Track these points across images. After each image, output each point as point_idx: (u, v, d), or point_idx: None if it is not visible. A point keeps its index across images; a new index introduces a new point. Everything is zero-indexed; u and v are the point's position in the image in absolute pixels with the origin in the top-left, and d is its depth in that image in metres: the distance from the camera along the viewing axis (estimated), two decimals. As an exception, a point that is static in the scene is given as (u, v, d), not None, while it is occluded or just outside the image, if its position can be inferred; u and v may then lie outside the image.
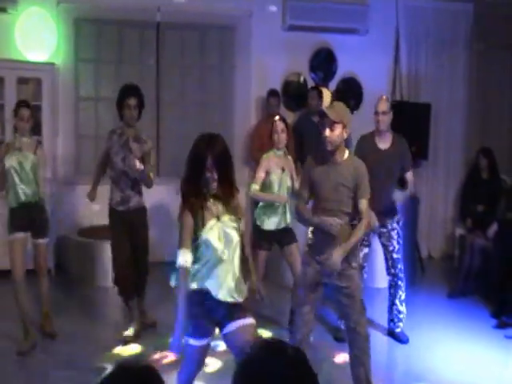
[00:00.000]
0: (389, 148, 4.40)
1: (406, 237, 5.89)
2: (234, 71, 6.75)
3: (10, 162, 4.23)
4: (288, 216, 4.37)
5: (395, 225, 4.48)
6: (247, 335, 2.80)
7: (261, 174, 4.28)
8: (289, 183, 4.38)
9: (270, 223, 4.35)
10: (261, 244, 4.35)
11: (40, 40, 6.12)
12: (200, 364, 2.94)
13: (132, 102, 4.36)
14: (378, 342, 4.52)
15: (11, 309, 4.36)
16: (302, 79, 6.91)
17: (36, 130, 5.86)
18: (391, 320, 4.63)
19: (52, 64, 6.09)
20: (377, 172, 4.20)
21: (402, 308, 4.58)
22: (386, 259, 4.53)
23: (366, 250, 4.47)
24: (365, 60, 6.83)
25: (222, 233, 2.77)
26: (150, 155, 4.44)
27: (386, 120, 4.34)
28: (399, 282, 4.52)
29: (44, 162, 4.40)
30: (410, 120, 6.42)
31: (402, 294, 4.55)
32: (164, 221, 6.38)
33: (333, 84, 6.99)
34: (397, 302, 4.56)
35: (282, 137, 4.33)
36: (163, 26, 6.46)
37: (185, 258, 2.70)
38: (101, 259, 5.57)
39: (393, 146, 4.41)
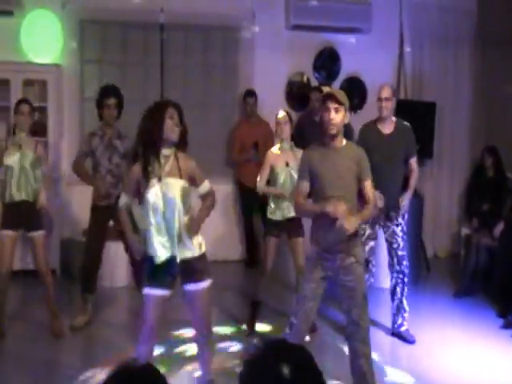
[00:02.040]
0: (392, 132, 4.37)
1: (411, 236, 5.89)
2: (238, 71, 6.76)
3: (10, 159, 4.30)
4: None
5: (400, 219, 4.43)
6: (201, 300, 3.18)
7: (265, 171, 4.41)
8: (296, 176, 4.40)
9: (278, 214, 4.43)
10: (270, 231, 4.44)
11: (45, 42, 6.16)
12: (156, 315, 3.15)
13: (111, 101, 4.57)
14: (382, 341, 4.53)
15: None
16: (305, 79, 6.92)
17: (41, 131, 5.94)
18: (397, 319, 4.58)
19: (57, 65, 6.13)
20: (381, 158, 4.18)
21: (407, 307, 4.56)
22: (391, 256, 4.49)
23: (371, 243, 4.43)
24: (368, 59, 6.83)
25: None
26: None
27: (389, 106, 4.32)
28: (405, 279, 4.49)
29: (45, 159, 4.47)
30: (415, 119, 6.38)
31: (406, 292, 4.53)
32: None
33: (337, 83, 6.99)
34: (404, 300, 4.52)
35: (284, 128, 4.35)
36: (167, 27, 6.49)
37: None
38: (105, 260, 5.57)
39: (396, 130, 4.37)
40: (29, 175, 4.34)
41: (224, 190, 6.73)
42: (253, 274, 6.12)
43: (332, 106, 3.23)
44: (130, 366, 1.41)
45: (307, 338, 3.61)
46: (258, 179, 4.44)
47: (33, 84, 6.09)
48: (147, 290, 3.12)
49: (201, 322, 3.25)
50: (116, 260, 5.65)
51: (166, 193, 3.05)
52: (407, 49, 7.04)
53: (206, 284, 3.18)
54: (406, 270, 4.48)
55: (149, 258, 3.12)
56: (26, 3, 6.04)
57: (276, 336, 4.30)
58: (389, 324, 4.71)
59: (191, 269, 3.15)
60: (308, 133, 6.08)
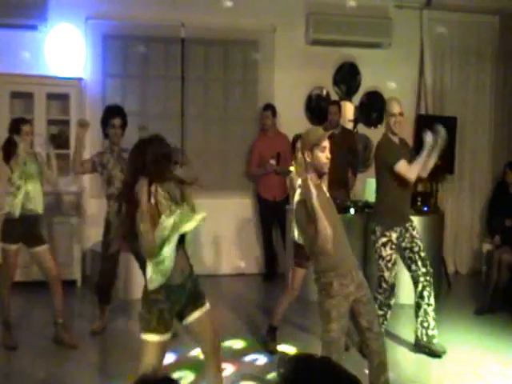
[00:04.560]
0: (405, 148, 4.44)
1: (432, 252, 5.83)
2: (257, 85, 6.80)
3: (21, 180, 4.36)
4: None
5: (413, 224, 4.46)
6: (209, 324, 3.05)
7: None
8: None
9: None
10: (300, 262, 4.31)
11: (69, 56, 6.27)
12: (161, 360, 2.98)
13: (116, 121, 4.73)
14: (401, 357, 4.48)
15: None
16: (324, 93, 6.93)
17: (64, 143, 6.02)
18: (426, 326, 4.45)
19: (80, 79, 6.21)
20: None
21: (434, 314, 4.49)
22: (414, 262, 4.41)
23: (396, 267, 4.41)
24: (389, 73, 6.82)
25: None
26: None
27: (402, 121, 4.31)
28: (431, 280, 4.44)
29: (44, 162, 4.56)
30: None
31: (432, 294, 4.46)
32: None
33: (357, 98, 6.99)
34: (432, 301, 4.42)
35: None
36: (187, 42, 6.55)
37: None
38: (125, 272, 5.60)
39: (402, 147, 4.43)
40: (38, 185, 4.45)
41: (243, 203, 6.75)
42: (272, 287, 6.12)
43: (328, 145, 3.25)
44: (149, 378, 1.42)
45: None
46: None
47: (56, 97, 6.18)
48: (150, 337, 2.90)
49: (213, 344, 3.11)
50: (131, 272, 5.66)
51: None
52: (428, 63, 7.01)
53: (207, 307, 3.08)
54: (431, 269, 4.44)
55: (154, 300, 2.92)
56: (50, 18, 6.15)
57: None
58: (409, 340, 4.65)
59: (192, 298, 3.03)
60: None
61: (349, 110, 6.94)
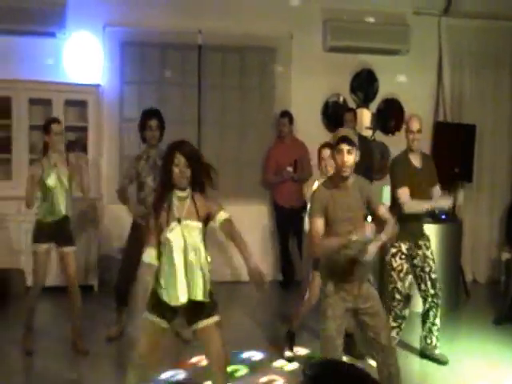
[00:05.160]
0: (422, 166, 4.41)
1: (450, 260, 5.79)
2: (274, 92, 6.80)
3: (50, 180, 4.38)
4: None
5: (429, 244, 4.41)
6: (214, 335, 3.03)
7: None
8: None
9: None
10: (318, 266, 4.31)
11: (87, 63, 6.33)
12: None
13: (153, 123, 4.72)
14: (419, 367, 4.44)
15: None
16: (341, 100, 6.90)
17: (81, 150, 6.06)
18: (429, 343, 4.48)
19: (98, 86, 6.26)
20: (416, 192, 4.28)
21: (439, 328, 4.47)
22: (423, 281, 4.38)
23: (409, 277, 4.38)
24: (407, 80, 6.79)
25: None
26: None
27: (420, 138, 4.34)
28: (439, 301, 4.40)
29: (79, 168, 4.52)
30: (454, 141, 6.33)
31: (439, 314, 4.44)
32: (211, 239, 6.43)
33: (374, 105, 6.96)
34: (437, 321, 4.43)
35: (330, 163, 4.15)
36: (204, 49, 6.58)
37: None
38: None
39: (424, 163, 4.42)
40: (67, 190, 4.46)
41: (260, 210, 6.74)
42: (288, 294, 6.10)
43: (345, 147, 3.20)
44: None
45: None
46: None
47: (74, 104, 6.23)
48: (147, 315, 3.02)
49: (218, 357, 3.07)
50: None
51: (186, 235, 3.00)
52: (446, 70, 6.96)
53: (215, 319, 3.06)
54: (441, 293, 4.41)
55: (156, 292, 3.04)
56: (69, 25, 6.21)
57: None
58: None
59: (200, 307, 3.04)
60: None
61: (366, 117, 6.91)
